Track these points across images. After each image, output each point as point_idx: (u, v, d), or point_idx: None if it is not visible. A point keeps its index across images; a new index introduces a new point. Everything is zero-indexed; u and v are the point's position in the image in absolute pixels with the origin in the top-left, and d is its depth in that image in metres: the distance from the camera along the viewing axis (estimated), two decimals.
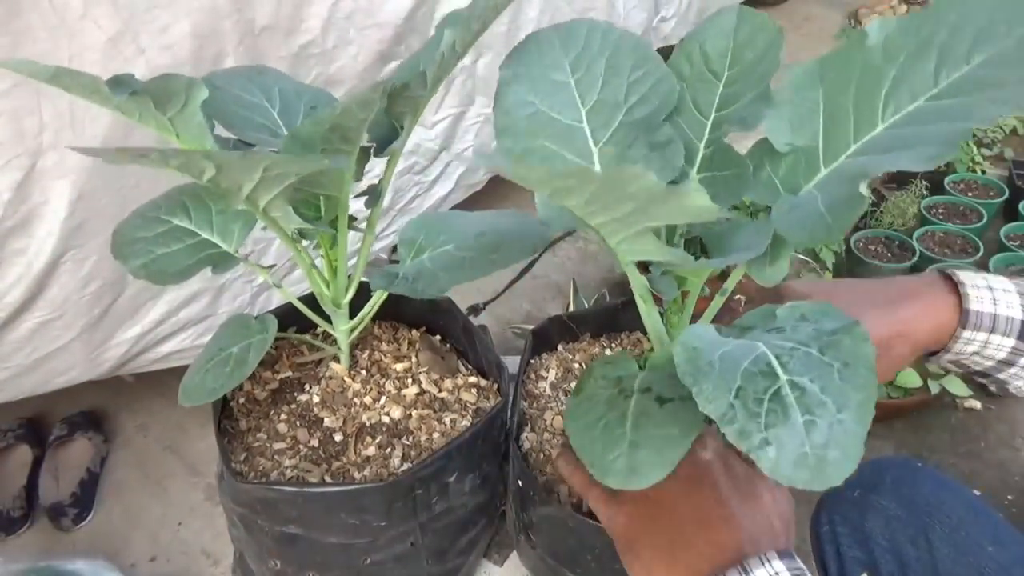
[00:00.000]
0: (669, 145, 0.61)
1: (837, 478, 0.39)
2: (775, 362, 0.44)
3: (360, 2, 1.05)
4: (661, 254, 0.52)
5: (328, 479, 0.68)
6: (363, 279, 0.73)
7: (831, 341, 0.45)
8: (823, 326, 0.46)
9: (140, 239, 0.70)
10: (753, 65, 0.58)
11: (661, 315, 0.66)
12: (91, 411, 1.21)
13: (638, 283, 0.59)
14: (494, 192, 1.58)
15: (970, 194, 1.55)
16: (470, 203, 1.54)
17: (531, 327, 0.85)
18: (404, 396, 0.76)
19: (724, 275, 0.66)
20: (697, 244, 0.61)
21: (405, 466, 0.70)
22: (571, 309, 1.35)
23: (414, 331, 0.86)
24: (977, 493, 1.05)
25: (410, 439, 0.73)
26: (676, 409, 0.55)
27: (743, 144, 0.60)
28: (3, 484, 1.07)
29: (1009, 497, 1.06)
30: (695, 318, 0.65)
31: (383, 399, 0.76)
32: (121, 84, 0.52)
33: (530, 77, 0.61)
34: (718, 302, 0.64)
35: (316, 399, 0.77)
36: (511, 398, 0.74)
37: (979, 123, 0.45)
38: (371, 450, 0.72)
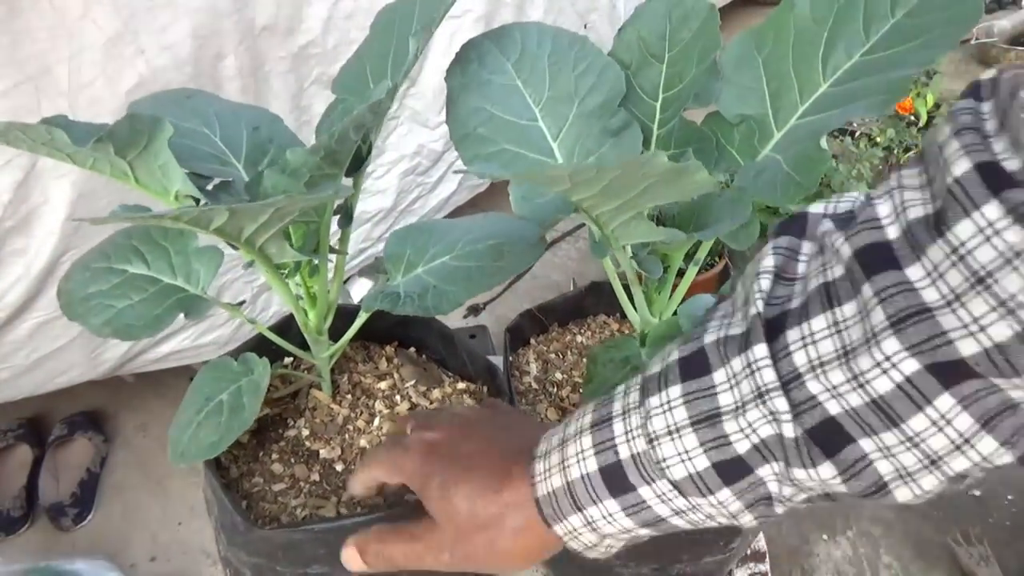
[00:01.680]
0: (626, 129, 0.63)
1: None
2: None
3: (361, 2, 1.04)
4: (655, 234, 0.54)
5: (343, 511, 0.67)
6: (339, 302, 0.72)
7: None
8: None
9: (94, 294, 0.65)
10: (692, 43, 0.61)
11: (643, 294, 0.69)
12: (91, 411, 1.21)
13: (627, 265, 0.62)
14: (498, 192, 1.58)
15: None
16: (473, 204, 1.56)
17: None
18: (397, 413, 0.75)
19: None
20: (673, 221, 0.64)
21: None
22: None
23: (387, 347, 0.85)
24: (977, 493, 1.02)
25: None
26: None
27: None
28: (3, 484, 1.07)
29: (1009, 497, 1.02)
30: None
31: (376, 420, 0.75)
32: (76, 131, 0.48)
33: (477, 85, 0.62)
34: (691, 272, 0.68)
35: (305, 432, 0.74)
36: (510, 395, 0.75)
37: (916, 68, 0.49)
38: None
